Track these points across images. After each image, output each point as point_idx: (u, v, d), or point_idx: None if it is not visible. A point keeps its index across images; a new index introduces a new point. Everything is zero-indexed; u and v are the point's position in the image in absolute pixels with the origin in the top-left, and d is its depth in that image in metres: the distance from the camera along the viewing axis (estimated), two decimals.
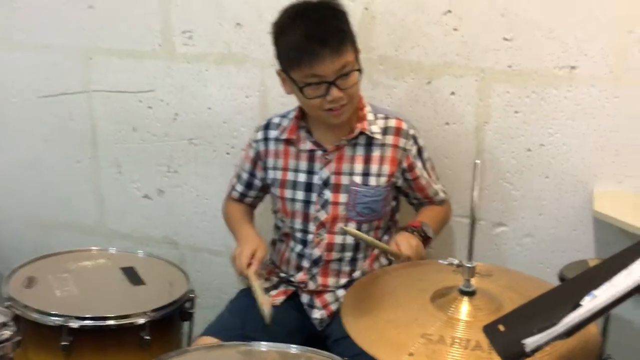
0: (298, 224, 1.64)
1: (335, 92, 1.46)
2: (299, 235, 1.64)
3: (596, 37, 1.62)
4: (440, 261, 1.25)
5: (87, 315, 1.50)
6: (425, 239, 1.55)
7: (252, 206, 1.80)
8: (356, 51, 1.52)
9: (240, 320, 1.60)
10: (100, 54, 2.05)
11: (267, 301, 1.49)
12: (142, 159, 2.11)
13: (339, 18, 1.49)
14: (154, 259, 1.87)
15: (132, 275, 1.74)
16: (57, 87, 2.13)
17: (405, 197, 1.71)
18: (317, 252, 1.62)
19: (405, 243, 1.48)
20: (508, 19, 1.67)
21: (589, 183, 1.72)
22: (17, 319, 1.44)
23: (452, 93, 1.76)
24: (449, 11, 1.71)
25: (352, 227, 1.59)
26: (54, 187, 2.24)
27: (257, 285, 1.49)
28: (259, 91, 1.92)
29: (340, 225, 1.60)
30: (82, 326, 1.49)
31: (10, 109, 2.21)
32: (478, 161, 1.20)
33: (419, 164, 1.64)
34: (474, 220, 1.18)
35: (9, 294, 1.57)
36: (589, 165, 1.71)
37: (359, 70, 1.51)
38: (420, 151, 1.64)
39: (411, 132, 1.62)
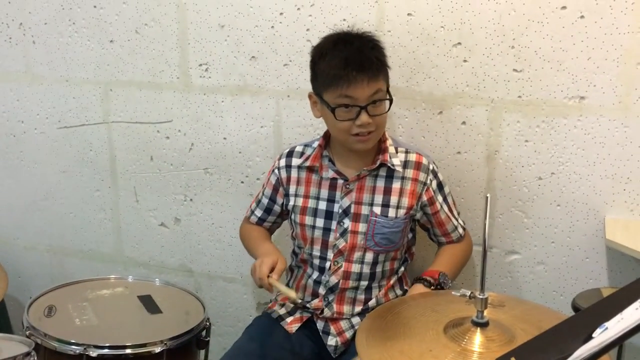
0: (316, 250, 1.66)
1: (364, 117, 1.51)
2: (316, 262, 1.67)
3: (605, 69, 1.64)
4: (454, 292, 1.27)
5: (105, 344, 1.53)
6: (441, 289, 1.57)
7: (270, 231, 1.83)
8: (388, 83, 1.57)
9: (257, 347, 1.62)
10: (119, 86, 2.11)
11: (292, 290, 1.53)
12: (159, 188, 2.16)
13: (378, 49, 1.57)
14: (170, 287, 1.90)
15: (149, 304, 1.77)
16: (77, 119, 2.19)
17: (425, 231, 1.74)
18: (334, 279, 1.65)
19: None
20: (517, 51, 1.70)
21: (600, 211, 1.73)
22: (37, 347, 1.47)
23: (463, 123, 1.79)
24: (459, 43, 1.74)
25: (369, 256, 1.62)
26: (72, 216, 2.29)
27: (279, 286, 1.52)
28: (273, 121, 1.96)
29: (358, 254, 1.62)
30: (100, 355, 1.52)
31: (31, 139, 2.27)
32: (488, 195, 1.22)
33: (439, 198, 1.66)
34: (485, 252, 1.19)
35: (29, 323, 1.61)
36: (600, 194, 1.72)
37: (390, 100, 1.56)
38: (440, 186, 1.67)
39: (431, 167, 1.65)
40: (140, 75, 2.07)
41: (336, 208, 1.64)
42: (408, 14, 1.77)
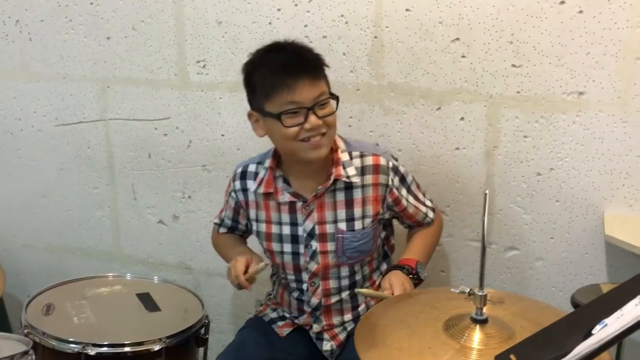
0: (291, 274, 1.63)
1: (313, 119, 1.43)
2: (293, 284, 1.64)
3: (603, 64, 1.64)
4: (453, 290, 1.26)
5: (104, 343, 1.53)
6: (418, 280, 1.55)
7: (243, 236, 1.79)
8: (328, 83, 1.51)
9: (251, 349, 1.61)
10: (117, 83, 2.10)
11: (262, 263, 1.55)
12: (157, 185, 2.15)
13: (312, 50, 1.51)
14: (169, 284, 1.89)
15: (147, 302, 1.77)
16: (74, 116, 2.18)
17: (397, 219, 1.70)
18: (315, 300, 1.61)
19: (399, 285, 1.48)
20: (516, 46, 1.69)
21: (599, 207, 1.73)
22: (35, 346, 1.47)
23: (462, 118, 1.79)
24: (457, 39, 1.74)
25: (345, 270, 1.59)
26: (70, 214, 2.29)
27: (255, 269, 1.53)
28: None
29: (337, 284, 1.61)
30: (99, 353, 1.52)
31: (28, 137, 2.26)
32: (487, 191, 1.21)
33: (404, 193, 1.60)
34: (484, 249, 1.19)
35: (27, 322, 1.60)
36: (599, 189, 1.72)
37: (337, 98, 1.49)
38: (403, 179, 1.60)
39: (390, 164, 1.56)
40: (137, 72, 2.06)
41: (300, 231, 1.57)
42: (406, 10, 1.76)
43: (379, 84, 1.83)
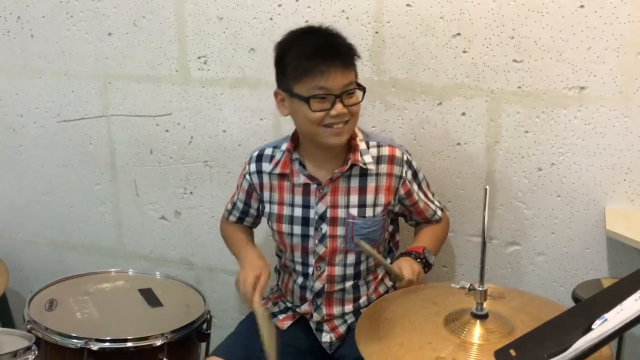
0: (297, 257, 1.63)
1: (339, 107, 1.46)
2: (299, 268, 1.65)
3: (605, 59, 1.64)
4: (453, 285, 1.27)
5: (107, 338, 1.54)
6: (426, 265, 1.56)
7: (251, 228, 1.80)
8: (357, 73, 1.53)
9: (250, 342, 1.60)
10: (118, 79, 2.10)
11: (271, 334, 1.44)
12: (159, 181, 2.15)
13: (346, 39, 1.53)
14: (171, 280, 1.90)
15: (150, 297, 1.78)
16: (76, 112, 2.19)
17: (403, 217, 1.72)
18: (318, 284, 1.62)
19: (408, 268, 1.49)
20: (517, 41, 1.69)
21: (600, 202, 1.73)
22: (38, 341, 1.48)
23: (463, 114, 1.79)
24: (459, 34, 1.73)
25: (351, 258, 1.60)
26: (72, 210, 2.29)
27: (261, 315, 1.46)
28: (272, 114, 1.96)
29: (347, 247, 1.59)
30: (102, 348, 1.53)
31: (30, 133, 2.27)
32: (487, 187, 1.21)
33: (415, 188, 1.62)
34: (484, 244, 1.19)
35: (30, 317, 1.61)
36: (600, 184, 1.72)
37: (363, 89, 1.52)
38: (415, 174, 1.63)
39: (405, 157, 1.60)
40: (138, 69, 2.07)
41: (312, 214, 1.59)
42: (407, 5, 1.75)
43: (380, 79, 1.83)
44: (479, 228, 1.81)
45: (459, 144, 1.81)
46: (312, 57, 1.44)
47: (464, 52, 1.74)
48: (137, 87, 2.09)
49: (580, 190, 1.74)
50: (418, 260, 1.55)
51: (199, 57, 1.99)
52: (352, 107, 1.49)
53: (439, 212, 1.69)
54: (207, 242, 2.15)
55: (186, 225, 2.17)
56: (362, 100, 1.52)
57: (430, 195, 1.68)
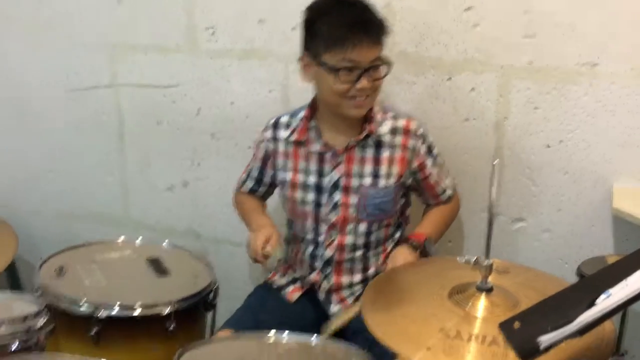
0: (309, 225, 1.65)
1: (365, 81, 1.49)
2: (310, 236, 1.66)
3: (618, 35, 1.62)
4: (458, 259, 1.27)
5: (115, 305, 1.55)
6: (425, 255, 1.57)
7: (263, 199, 1.82)
8: (383, 48, 1.54)
9: (259, 315, 1.63)
10: (127, 49, 2.10)
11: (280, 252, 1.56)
12: (166, 152, 2.16)
13: (378, 13, 1.54)
14: (178, 250, 1.91)
15: (157, 266, 1.79)
16: (84, 82, 2.18)
17: (414, 192, 1.73)
18: (329, 252, 1.64)
19: (400, 262, 1.52)
20: (530, 16, 1.67)
21: (608, 179, 1.72)
22: (48, 307, 1.50)
23: (472, 89, 1.78)
24: (470, 8, 1.72)
25: (363, 227, 1.62)
26: (81, 180, 2.30)
27: (274, 251, 1.53)
28: (281, 86, 1.95)
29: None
30: (110, 315, 1.54)
31: (39, 103, 2.27)
32: (496, 162, 1.21)
33: (429, 162, 1.64)
34: (491, 219, 1.20)
35: (40, 283, 1.63)
36: (609, 162, 1.71)
37: (389, 64, 1.53)
38: (429, 149, 1.64)
39: (420, 131, 1.61)
40: (147, 39, 2.06)
41: (326, 182, 1.61)
42: None
43: (389, 53, 1.80)
44: (485, 204, 1.80)
45: (467, 119, 1.80)
46: (345, 29, 1.46)
47: (475, 26, 1.72)
48: (145, 58, 2.08)
49: (588, 168, 1.73)
50: (417, 251, 1.57)
51: (207, 28, 1.98)
52: (376, 81, 1.52)
53: (449, 191, 1.70)
54: (214, 213, 2.16)
55: (193, 196, 2.18)
56: (386, 75, 1.54)
57: (443, 174, 1.69)
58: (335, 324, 1.51)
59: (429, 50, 1.78)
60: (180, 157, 2.15)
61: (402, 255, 1.56)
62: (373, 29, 1.49)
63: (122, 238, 1.97)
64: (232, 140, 2.06)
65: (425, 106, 1.82)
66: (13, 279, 2.23)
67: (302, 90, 1.91)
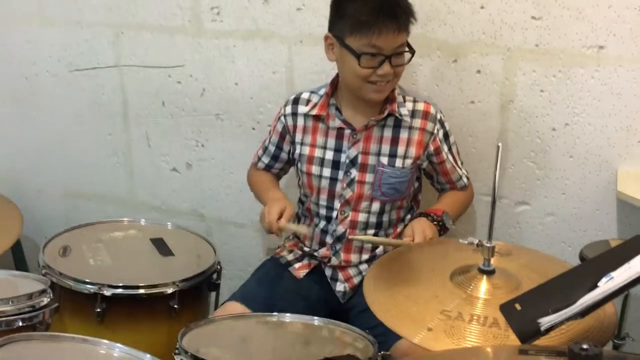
0: (323, 200, 1.67)
1: (387, 67, 1.49)
2: (323, 211, 1.68)
3: (625, 18, 1.60)
4: (461, 240, 1.28)
5: (119, 284, 1.57)
6: (443, 229, 1.57)
7: (277, 177, 1.83)
8: (408, 34, 1.55)
9: (266, 289, 1.65)
10: (131, 29, 2.09)
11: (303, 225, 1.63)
12: (171, 133, 2.16)
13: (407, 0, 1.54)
14: (182, 230, 1.93)
15: (161, 246, 1.81)
16: (89, 62, 2.18)
17: (429, 179, 1.74)
18: (340, 228, 1.66)
19: (420, 233, 1.49)
20: None
21: (613, 163, 1.72)
22: (53, 286, 1.51)
23: (478, 71, 1.76)
24: None
25: (376, 206, 1.63)
26: (85, 160, 2.31)
27: (290, 225, 1.55)
28: (285, 67, 1.94)
29: (355, 234, 1.62)
30: (114, 294, 1.56)
31: (43, 82, 2.27)
32: (500, 144, 1.21)
33: (445, 148, 1.65)
34: (494, 202, 1.20)
35: (45, 262, 1.65)
36: (614, 146, 1.70)
37: (413, 51, 1.54)
38: (446, 135, 1.66)
39: (439, 116, 1.63)
40: (151, 19, 2.05)
41: (343, 158, 1.63)
42: None
43: None
44: (489, 187, 1.81)
45: (472, 102, 1.80)
46: (372, 14, 1.46)
47: (482, 7, 1.71)
48: (149, 38, 2.07)
49: (593, 152, 1.73)
50: (435, 222, 1.56)
51: (212, 8, 1.97)
52: (398, 67, 1.53)
53: (465, 179, 1.72)
54: (218, 194, 2.17)
55: (197, 177, 2.18)
56: (409, 62, 1.55)
57: (458, 162, 1.70)
58: (370, 239, 1.55)
59: (435, 31, 1.77)
60: (184, 137, 2.15)
61: (422, 226, 1.53)
62: (400, 15, 1.48)
63: (126, 218, 1.99)
64: (236, 121, 2.06)
65: (431, 88, 1.81)
66: (18, 258, 2.25)
67: (306, 72, 1.92)
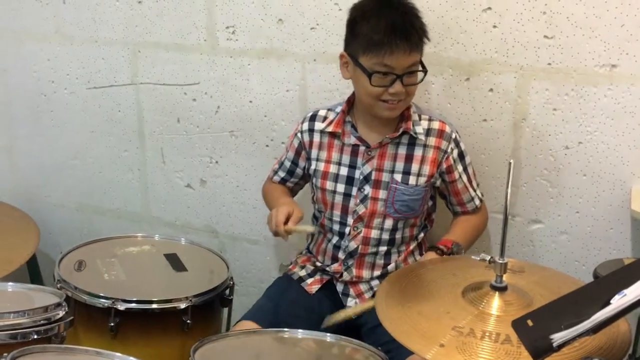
0: (336, 216, 1.68)
1: (398, 86, 1.52)
2: (336, 227, 1.69)
3: (638, 37, 1.60)
4: (473, 257, 1.28)
5: (133, 299, 1.58)
6: None
7: (292, 191, 1.85)
8: (422, 53, 1.57)
9: (274, 306, 1.65)
10: (147, 47, 2.13)
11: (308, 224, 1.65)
12: (185, 150, 2.19)
13: (420, 19, 1.56)
14: (195, 246, 1.94)
15: (175, 262, 1.82)
16: (106, 79, 2.22)
17: (443, 199, 1.75)
18: (353, 244, 1.67)
19: None
20: (549, 17, 1.67)
21: (627, 182, 1.71)
22: (68, 300, 1.53)
23: (491, 90, 1.77)
24: (489, 8, 1.71)
25: (389, 223, 1.63)
26: (101, 176, 2.34)
27: (296, 227, 1.56)
28: (299, 85, 1.97)
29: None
30: (128, 309, 1.57)
31: (61, 99, 2.31)
32: (512, 161, 1.21)
33: (459, 168, 1.66)
34: (506, 219, 1.20)
35: (60, 276, 1.66)
36: (628, 164, 1.70)
37: (425, 70, 1.56)
38: (461, 155, 1.67)
39: (454, 135, 1.65)
40: (167, 37, 2.09)
41: (357, 174, 1.64)
42: None
43: None
44: (502, 205, 1.81)
45: (485, 120, 1.80)
46: (384, 33, 1.48)
47: (494, 26, 1.72)
48: (165, 56, 2.11)
49: (607, 170, 1.72)
50: (444, 255, 1.57)
51: (228, 27, 2.00)
52: (410, 86, 1.55)
53: (477, 201, 1.72)
54: (231, 210, 2.19)
55: (211, 194, 2.20)
56: (421, 81, 1.57)
57: (473, 184, 1.71)
58: (340, 316, 1.51)
59: (447, 50, 1.78)
60: (199, 154, 2.17)
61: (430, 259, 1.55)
62: (412, 35, 1.50)
63: (140, 233, 2.00)
64: (250, 138, 2.08)
65: (443, 106, 1.82)
66: (34, 272, 2.27)
67: (319, 90, 1.94)
